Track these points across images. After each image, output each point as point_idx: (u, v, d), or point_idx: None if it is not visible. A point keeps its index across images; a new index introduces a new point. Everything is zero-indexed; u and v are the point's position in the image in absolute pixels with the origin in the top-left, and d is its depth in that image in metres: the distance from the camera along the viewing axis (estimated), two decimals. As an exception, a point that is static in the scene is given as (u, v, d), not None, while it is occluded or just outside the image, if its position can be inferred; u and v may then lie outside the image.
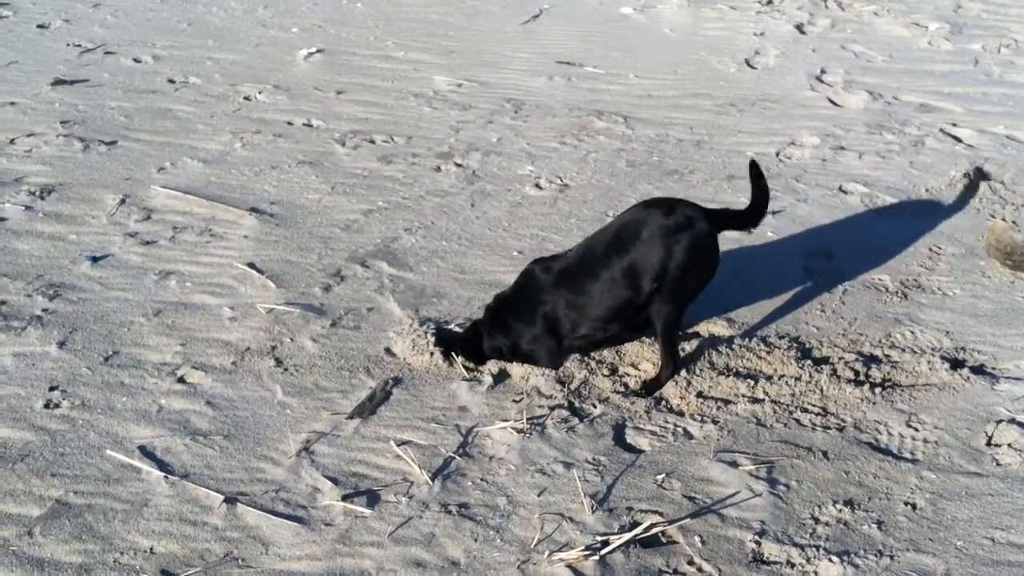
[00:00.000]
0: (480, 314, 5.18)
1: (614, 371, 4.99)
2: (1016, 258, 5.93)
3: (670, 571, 3.71)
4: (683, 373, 4.90)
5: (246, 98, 8.90)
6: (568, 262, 4.96)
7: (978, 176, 7.21)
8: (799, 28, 11.53)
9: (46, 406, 4.59)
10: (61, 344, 5.06)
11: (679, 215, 4.78)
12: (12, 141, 7.66)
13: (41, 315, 5.31)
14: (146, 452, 4.31)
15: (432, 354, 5.03)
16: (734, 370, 4.96)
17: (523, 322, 4.93)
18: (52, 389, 4.72)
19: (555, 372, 4.92)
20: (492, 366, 4.99)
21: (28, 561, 3.69)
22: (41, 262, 5.86)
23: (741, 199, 6.83)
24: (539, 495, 4.09)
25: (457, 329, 5.26)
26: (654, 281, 4.73)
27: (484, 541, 3.84)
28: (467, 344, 5.03)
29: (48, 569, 3.66)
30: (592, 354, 5.08)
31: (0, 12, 11.39)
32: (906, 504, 4.05)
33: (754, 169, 5.12)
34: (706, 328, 5.38)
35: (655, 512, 4.00)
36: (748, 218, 5.14)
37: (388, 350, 5.10)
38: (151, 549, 3.77)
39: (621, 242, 4.80)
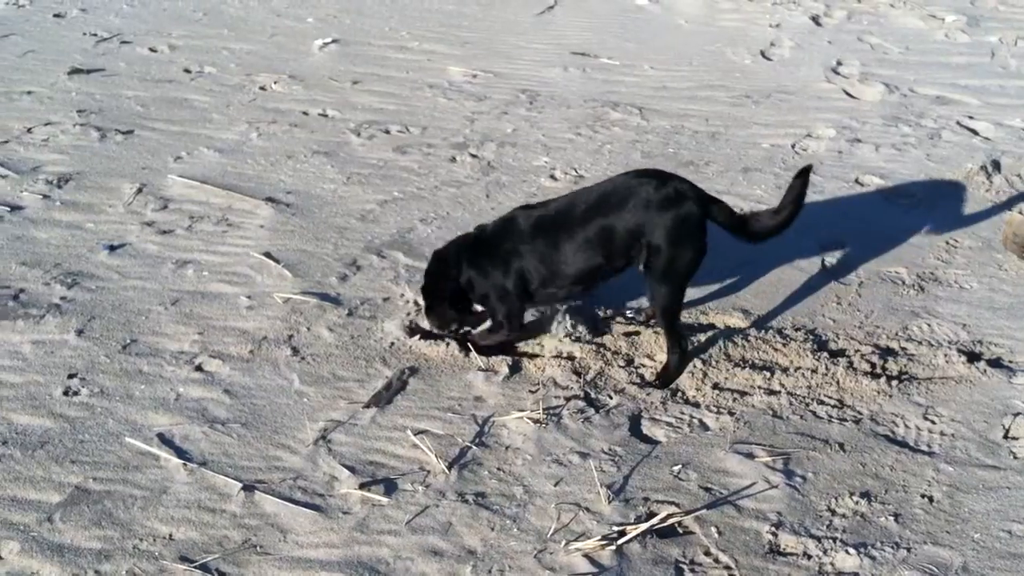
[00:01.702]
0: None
1: (630, 362, 4.99)
2: (1033, 251, 5.91)
3: (687, 561, 3.72)
4: (699, 364, 4.90)
5: (262, 88, 8.91)
6: (547, 213, 4.92)
7: (995, 168, 7.18)
8: (815, 20, 11.50)
9: (65, 393, 4.62)
10: (79, 332, 5.09)
11: (669, 189, 4.73)
12: (29, 130, 7.69)
13: (59, 303, 5.33)
14: (164, 439, 4.33)
15: (448, 344, 5.04)
16: (750, 362, 4.96)
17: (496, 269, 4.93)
18: (71, 377, 4.74)
19: (570, 363, 4.92)
20: (507, 358, 5.00)
21: (48, 547, 3.72)
22: (59, 251, 5.89)
23: (756, 191, 6.85)
24: (555, 485, 4.10)
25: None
26: (631, 251, 4.73)
27: (501, 530, 3.86)
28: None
29: (68, 555, 3.69)
30: (608, 345, 5.08)
31: (17, 1, 11.42)
32: (923, 497, 4.05)
33: (800, 187, 4.85)
34: (722, 320, 5.38)
35: (671, 503, 4.01)
36: (741, 227, 4.90)
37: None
38: (170, 536, 3.80)
39: (604, 206, 4.76)
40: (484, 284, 4.95)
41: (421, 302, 5.15)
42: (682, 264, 4.75)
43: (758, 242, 4.97)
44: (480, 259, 4.94)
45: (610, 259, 4.79)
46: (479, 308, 5.09)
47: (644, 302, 5.39)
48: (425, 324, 5.17)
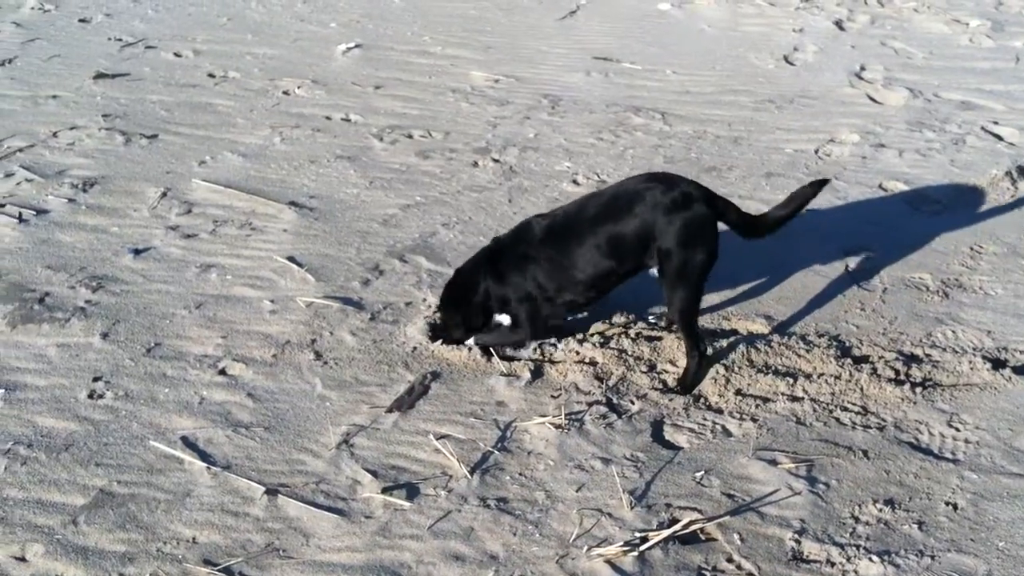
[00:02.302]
0: None
1: (652, 368, 4.99)
2: (1059, 258, 5.87)
3: (709, 568, 3.71)
4: (721, 370, 4.89)
5: (285, 93, 8.95)
6: (556, 219, 4.98)
7: (1020, 174, 7.13)
8: (838, 24, 11.45)
9: (90, 396, 4.65)
10: (104, 335, 5.12)
11: (677, 193, 4.74)
12: (55, 134, 7.74)
13: (84, 307, 5.37)
14: (188, 443, 4.35)
15: (469, 349, 5.05)
16: (773, 368, 4.95)
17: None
18: (96, 380, 4.77)
19: (592, 368, 4.92)
20: (529, 363, 5.01)
21: (73, 549, 3.74)
22: (84, 254, 5.93)
23: (779, 196, 6.78)
24: (577, 491, 4.10)
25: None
26: (641, 255, 4.76)
27: (523, 535, 3.86)
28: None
29: (92, 557, 3.71)
30: (630, 351, 5.07)
31: (43, 6, 11.50)
32: (947, 504, 4.03)
33: (807, 195, 5.00)
34: (745, 326, 5.37)
35: (694, 509, 4.00)
36: (750, 226, 5.00)
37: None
38: (193, 539, 3.82)
39: (613, 211, 4.79)
40: (503, 290, 4.99)
41: (440, 315, 5.18)
42: (695, 266, 4.75)
43: (759, 237, 5.05)
44: (498, 267, 5.00)
45: (621, 263, 4.81)
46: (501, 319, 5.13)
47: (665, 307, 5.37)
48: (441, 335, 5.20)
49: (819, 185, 5.03)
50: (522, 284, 4.96)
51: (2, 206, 6.48)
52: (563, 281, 4.90)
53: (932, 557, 3.74)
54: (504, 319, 5.11)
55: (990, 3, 12.03)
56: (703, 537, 3.88)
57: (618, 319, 5.35)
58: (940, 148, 7.75)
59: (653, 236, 4.72)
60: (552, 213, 5.10)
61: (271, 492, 4.06)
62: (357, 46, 10.45)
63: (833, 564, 3.73)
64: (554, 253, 4.88)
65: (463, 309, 5.06)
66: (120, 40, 10.40)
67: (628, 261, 4.83)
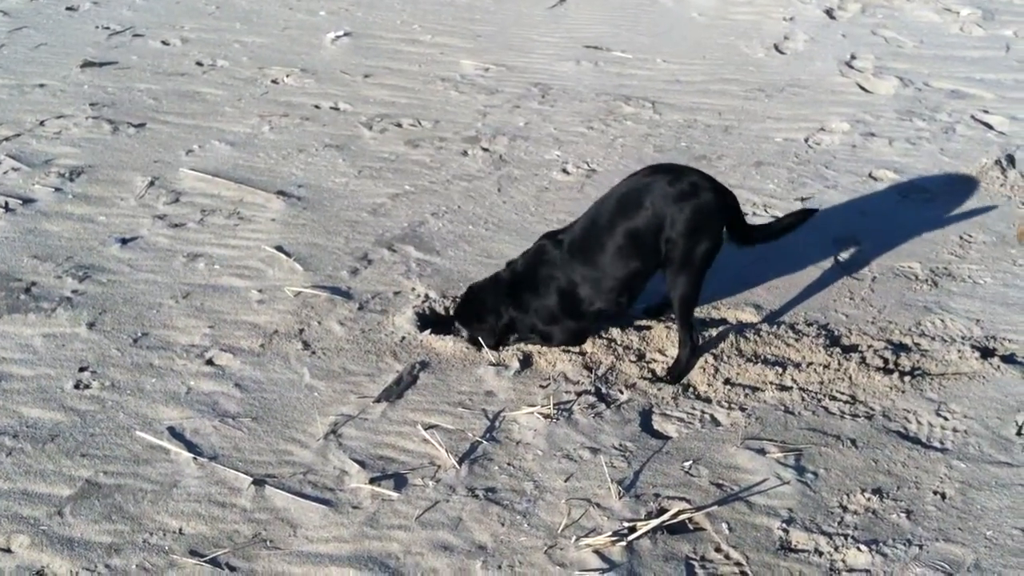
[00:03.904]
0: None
1: (641, 357, 4.98)
2: (1048, 246, 5.88)
3: (697, 558, 3.71)
4: (710, 360, 4.89)
5: (273, 81, 8.91)
6: (575, 234, 4.95)
7: (1009, 163, 7.13)
8: (829, 13, 11.44)
9: (76, 387, 4.62)
10: (91, 325, 5.10)
11: (684, 183, 4.74)
12: (42, 123, 7.70)
13: (71, 296, 5.34)
14: (175, 433, 4.33)
15: (458, 339, 5.04)
16: (762, 357, 4.94)
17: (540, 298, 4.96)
18: (82, 370, 4.75)
19: (581, 358, 4.91)
20: (518, 353, 4.99)
21: (58, 540, 3.72)
22: (71, 244, 5.90)
23: (769, 185, 6.82)
24: (566, 480, 4.09)
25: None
26: (660, 249, 4.74)
27: (511, 526, 3.85)
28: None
29: (78, 548, 3.69)
30: (619, 340, 5.06)
31: (30, -6, 11.44)
32: (935, 493, 4.03)
33: (796, 219, 5.12)
34: (734, 315, 5.36)
35: (682, 499, 3.99)
36: (744, 232, 5.01)
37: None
38: (180, 530, 3.80)
39: (625, 209, 4.77)
40: (528, 319, 4.99)
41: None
42: (700, 255, 4.75)
43: (743, 247, 5.10)
44: (521, 295, 4.97)
45: (645, 260, 4.79)
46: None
47: (654, 298, 5.35)
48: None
49: (807, 214, 5.14)
50: (550, 306, 4.94)
51: (-12, 195, 6.45)
52: (594, 293, 4.86)
53: (920, 546, 3.74)
54: None
55: (980, -8, 12.04)
56: (691, 527, 3.87)
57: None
58: (930, 137, 7.75)
59: (663, 225, 4.71)
60: (568, 228, 5.05)
61: (258, 483, 4.04)
62: (346, 34, 10.41)
63: (821, 553, 3.72)
64: (581, 266, 4.85)
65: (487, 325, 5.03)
66: (107, 28, 10.35)
67: (651, 256, 4.79)
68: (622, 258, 4.77)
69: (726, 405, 4.60)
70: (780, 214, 5.38)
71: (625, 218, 4.75)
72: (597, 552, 3.71)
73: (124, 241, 5.94)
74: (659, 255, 4.79)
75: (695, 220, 4.69)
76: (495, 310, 4.96)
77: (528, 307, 4.95)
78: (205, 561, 3.65)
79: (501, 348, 5.04)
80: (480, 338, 4.99)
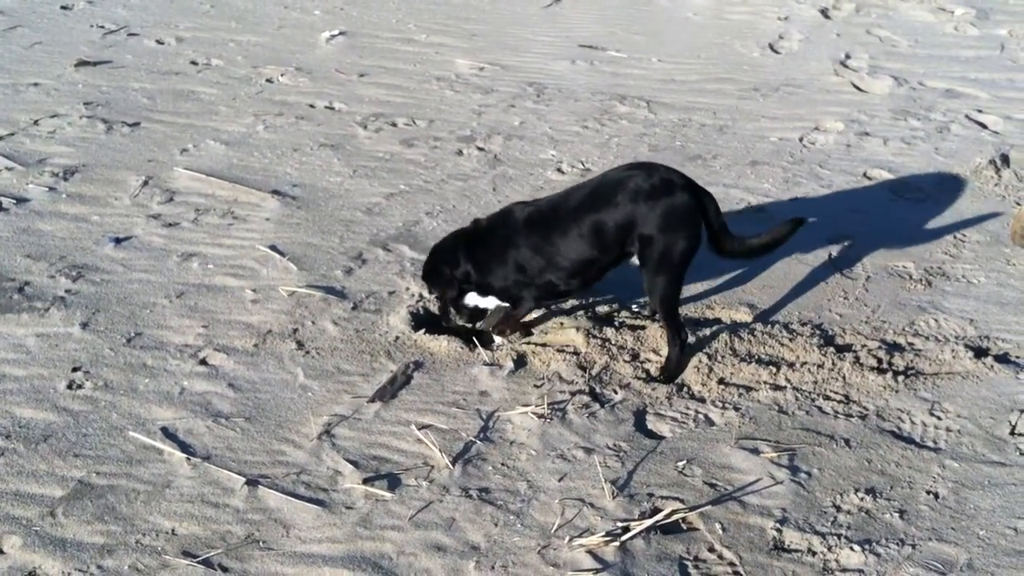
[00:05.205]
0: None
1: (635, 357, 4.98)
2: (1042, 246, 5.88)
3: (691, 558, 3.71)
4: (704, 359, 4.89)
5: (268, 80, 8.90)
6: (542, 206, 4.98)
7: (1003, 163, 7.14)
8: (823, 12, 11.45)
9: (69, 387, 4.61)
10: (84, 325, 5.09)
11: (658, 180, 4.72)
12: (36, 122, 7.69)
13: (64, 296, 5.33)
14: (168, 434, 4.32)
15: (452, 339, 5.04)
16: (756, 357, 4.94)
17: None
18: (75, 370, 4.74)
19: (575, 358, 4.91)
20: (512, 352, 4.99)
21: (51, 541, 3.71)
22: (64, 243, 5.89)
23: (764, 184, 6.82)
24: (559, 480, 4.09)
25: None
26: (623, 243, 4.75)
27: (504, 526, 3.85)
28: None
29: (70, 549, 3.68)
30: (613, 340, 5.06)
31: (24, -7, 11.43)
32: (928, 493, 4.03)
33: (784, 233, 5.00)
34: (728, 314, 5.36)
35: (676, 499, 3.99)
36: (721, 237, 4.91)
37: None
38: (173, 530, 3.79)
39: (595, 198, 4.78)
40: (482, 277, 5.02)
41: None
42: (675, 253, 4.73)
43: (723, 257, 5.03)
44: (479, 251, 5.01)
45: (604, 252, 4.80)
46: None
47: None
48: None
49: (797, 224, 5.02)
50: (504, 270, 4.97)
51: (-18, 195, 6.44)
52: (545, 266, 4.88)
53: (913, 546, 3.75)
54: (489, 303, 5.10)
55: (975, -9, 12.05)
56: (685, 527, 3.87)
57: (602, 308, 5.35)
58: (924, 136, 7.76)
59: (635, 223, 4.70)
60: (536, 201, 5.08)
61: (251, 483, 4.03)
62: (341, 33, 10.41)
63: (814, 553, 3.72)
64: (538, 240, 4.87)
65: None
66: (102, 27, 10.34)
67: (611, 250, 4.81)
68: (579, 243, 4.78)
69: (720, 405, 4.60)
70: (774, 213, 5.37)
71: (593, 206, 4.76)
72: (590, 552, 3.70)
73: (118, 240, 5.93)
74: (620, 250, 4.80)
75: (668, 218, 4.68)
76: (452, 261, 5.01)
77: (483, 264, 4.99)
78: (198, 562, 3.64)
79: (469, 323, 5.15)
80: (441, 295, 5.11)
